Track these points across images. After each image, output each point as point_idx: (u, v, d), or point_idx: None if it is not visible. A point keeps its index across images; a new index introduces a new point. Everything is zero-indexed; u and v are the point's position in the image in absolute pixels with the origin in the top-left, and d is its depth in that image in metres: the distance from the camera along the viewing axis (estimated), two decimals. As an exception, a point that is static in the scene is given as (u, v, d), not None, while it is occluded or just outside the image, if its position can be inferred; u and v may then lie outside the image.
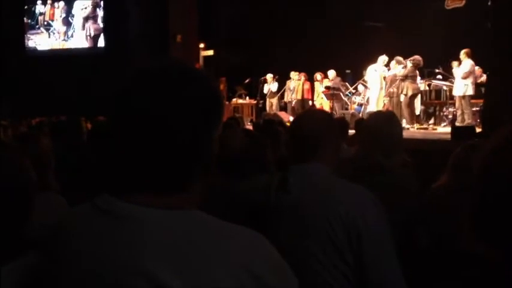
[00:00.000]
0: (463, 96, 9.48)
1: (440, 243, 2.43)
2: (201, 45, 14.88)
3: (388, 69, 11.05)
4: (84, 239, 0.90)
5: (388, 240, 1.68)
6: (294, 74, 13.10)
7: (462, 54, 9.65)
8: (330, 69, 12.53)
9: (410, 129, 9.62)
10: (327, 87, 12.38)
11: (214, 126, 0.94)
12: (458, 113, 9.71)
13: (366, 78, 11.45)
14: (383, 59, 11.17)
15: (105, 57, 15.86)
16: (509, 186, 0.68)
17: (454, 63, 10.20)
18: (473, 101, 9.73)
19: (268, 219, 1.83)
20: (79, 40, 16.97)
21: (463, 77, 9.42)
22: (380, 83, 11.12)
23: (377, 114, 3.01)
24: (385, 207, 1.73)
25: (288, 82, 13.26)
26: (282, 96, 13.71)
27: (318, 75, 12.84)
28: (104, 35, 16.73)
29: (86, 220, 0.92)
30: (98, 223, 0.89)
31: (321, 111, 2.19)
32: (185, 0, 14.07)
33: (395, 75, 10.45)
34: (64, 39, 17.08)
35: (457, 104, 9.85)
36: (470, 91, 9.43)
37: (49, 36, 17.17)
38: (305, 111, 2.98)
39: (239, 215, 1.78)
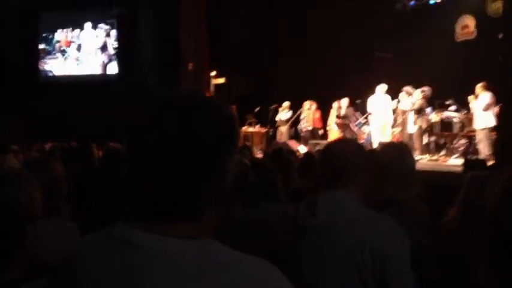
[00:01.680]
0: (483, 129, 9.45)
1: (450, 275, 2.40)
2: (213, 73, 15.02)
3: (398, 101, 11.06)
4: (98, 267, 0.90)
5: (410, 271, 1.69)
6: (306, 103, 13.13)
7: (479, 87, 9.66)
8: (340, 98, 12.56)
9: (421, 161, 9.58)
10: (338, 116, 12.39)
11: (229, 155, 0.95)
12: (480, 145, 9.65)
13: (368, 109, 11.45)
14: (382, 87, 11.18)
15: (117, 84, 16.04)
16: None
17: (470, 98, 10.20)
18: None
19: (281, 247, 1.84)
20: (91, 67, 17.23)
21: (485, 109, 9.41)
22: (384, 112, 11.13)
23: (389, 146, 3.00)
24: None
25: (302, 110, 13.28)
26: (292, 125, 13.73)
27: (335, 104, 12.79)
28: (117, 63, 16.96)
29: (100, 248, 0.92)
30: (112, 252, 0.89)
31: (352, 141, 2.23)
32: (197, 28, 14.25)
33: (405, 108, 10.47)
34: (77, 64, 17.37)
35: (478, 137, 9.81)
36: (492, 123, 9.39)
37: (64, 61, 17.49)
38: (337, 140, 3.02)
39: (248, 244, 1.78)
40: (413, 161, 2.67)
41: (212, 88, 14.86)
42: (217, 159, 0.92)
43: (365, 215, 1.80)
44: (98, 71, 17.18)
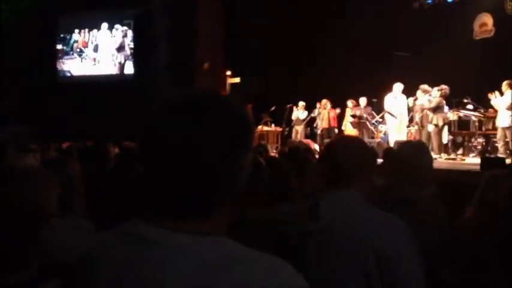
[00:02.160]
0: (508, 127, 9.35)
1: (465, 276, 2.37)
2: (228, 73, 15.05)
3: (415, 99, 10.98)
4: (113, 264, 0.91)
5: (418, 270, 1.66)
6: (324, 101, 13.11)
7: (504, 85, 9.57)
8: (356, 97, 12.52)
9: (438, 160, 9.49)
10: (353, 116, 12.35)
11: (244, 154, 0.95)
12: (501, 143, 9.56)
13: (385, 107, 11.40)
14: (399, 86, 11.13)
15: (133, 84, 16.16)
16: None
17: (491, 95, 10.08)
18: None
19: (295, 246, 1.82)
20: (108, 67, 17.39)
21: (508, 108, 9.30)
22: (401, 111, 11.07)
23: (407, 145, 2.97)
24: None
25: (318, 109, 13.25)
26: (307, 124, 13.71)
27: (350, 103, 12.79)
28: (133, 63, 17.09)
29: (116, 245, 0.93)
30: (128, 248, 0.90)
31: (356, 139, 2.17)
32: (212, 28, 14.31)
33: (422, 106, 10.39)
34: (94, 65, 17.55)
35: (499, 135, 9.70)
36: None
37: (81, 61, 17.68)
38: (340, 137, 2.96)
39: (260, 243, 1.78)
40: (430, 160, 2.64)
41: (228, 87, 14.90)
42: (231, 157, 0.92)
43: (369, 216, 1.76)
44: (114, 71, 17.32)
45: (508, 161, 7.36)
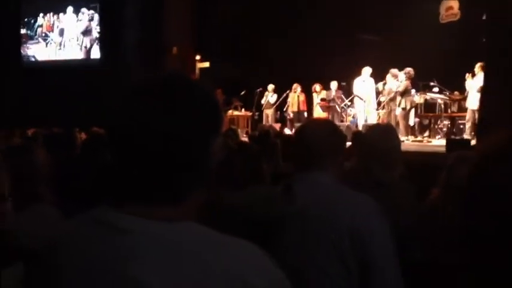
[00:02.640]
0: (477, 109, 9.50)
1: (434, 256, 2.43)
2: (197, 57, 14.91)
3: (384, 83, 11.11)
4: (82, 252, 0.89)
5: (391, 248, 1.69)
6: (295, 86, 13.14)
7: (477, 67, 9.65)
8: (325, 81, 12.59)
9: (405, 142, 9.66)
10: (323, 99, 12.43)
11: (214, 137, 0.94)
12: (468, 125, 9.74)
13: (354, 91, 11.51)
14: (367, 70, 11.25)
15: (100, 68, 15.86)
16: (493, 200, 0.67)
17: (468, 76, 10.23)
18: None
19: (268, 230, 1.83)
20: (74, 51, 17.02)
21: (479, 90, 9.36)
22: (370, 95, 11.20)
23: (375, 127, 3.01)
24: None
25: (288, 93, 13.27)
26: (278, 108, 13.74)
27: (317, 86, 12.87)
28: (100, 47, 16.76)
29: (84, 233, 0.91)
30: (97, 236, 0.89)
31: (327, 121, 2.18)
32: (181, 12, 14.12)
33: (391, 89, 10.53)
34: (59, 49, 17.16)
35: (468, 116, 9.86)
36: None
37: (46, 46, 17.25)
38: (311, 120, 2.98)
39: (235, 227, 1.77)
40: (398, 142, 2.68)
41: (197, 72, 14.77)
42: (201, 141, 0.91)
43: (343, 197, 1.78)
44: (80, 55, 16.97)
45: (473, 142, 7.53)
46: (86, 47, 16.94)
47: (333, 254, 1.67)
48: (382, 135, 2.59)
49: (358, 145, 2.69)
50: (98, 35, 16.77)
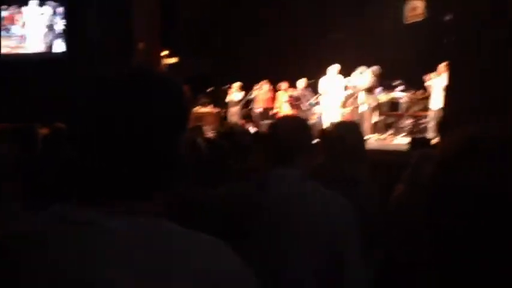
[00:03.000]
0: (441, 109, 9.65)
1: (399, 252, 2.48)
2: (164, 53, 14.77)
3: (349, 81, 11.22)
4: (42, 248, 0.87)
5: (359, 245, 1.73)
6: (260, 84, 13.15)
7: (441, 67, 9.77)
8: (292, 78, 12.64)
9: (369, 140, 9.79)
10: (290, 97, 12.48)
11: (180, 132, 0.93)
12: (431, 124, 9.90)
13: (320, 89, 11.60)
14: (334, 68, 11.35)
15: (63, 62, 15.53)
16: (457, 199, 0.69)
17: (430, 76, 10.42)
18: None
19: (240, 226, 1.83)
20: (37, 45, 16.62)
21: (443, 90, 9.53)
22: (336, 93, 11.30)
23: (342, 124, 3.05)
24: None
25: (254, 91, 13.28)
26: (244, 105, 13.73)
27: (283, 85, 12.91)
28: (64, 41, 16.40)
29: (45, 228, 0.89)
30: (57, 231, 0.87)
31: (298, 118, 2.21)
32: (149, 6, 13.94)
33: (356, 87, 10.65)
34: (22, 43, 16.72)
35: (431, 116, 10.02)
36: None
37: (8, 39, 16.79)
38: (282, 117, 3.01)
39: (205, 223, 1.77)
40: (363, 139, 2.73)
41: (164, 68, 14.62)
42: (167, 136, 0.90)
43: (314, 193, 1.81)
44: (44, 49, 16.57)
45: (435, 141, 7.68)
46: (49, 41, 16.56)
47: (305, 249, 1.69)
48: (348, 131, 2.62)
49: (325, 141, 2.72)
50: (62, 29, 16.42)
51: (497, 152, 0.67)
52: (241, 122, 12.55)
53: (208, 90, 14.12)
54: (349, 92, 11.18)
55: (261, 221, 1.80)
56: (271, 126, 2.10)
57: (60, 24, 16.44)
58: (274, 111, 13.23)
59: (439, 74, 9.93)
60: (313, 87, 12.66)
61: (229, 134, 5.85)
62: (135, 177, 0.88)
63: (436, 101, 9.82)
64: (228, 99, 13.66)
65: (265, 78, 13.22)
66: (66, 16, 16.29)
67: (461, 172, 0.68)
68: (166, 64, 14.80)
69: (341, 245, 1.71)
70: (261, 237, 1.78)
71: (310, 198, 1.78)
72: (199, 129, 6.85)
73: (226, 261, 0.90)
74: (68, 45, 16.22)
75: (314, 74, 12.65)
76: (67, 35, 16.28)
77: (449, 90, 7.78)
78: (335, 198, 1.79)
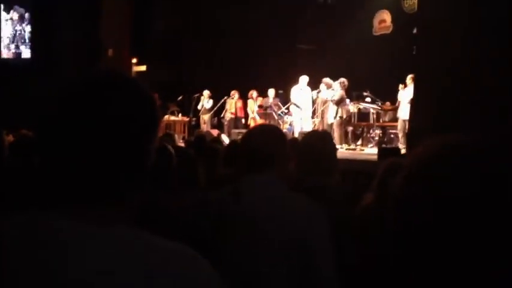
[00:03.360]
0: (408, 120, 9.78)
1: (368, 261, 2.50)
2: (133, 60, 14.66)
3: (318, 91, 11.34)
4: (12, 253, 0.85)
5: (330, 250, 1.74)
6: (232, 93, 13.17)
7: (409, 79, 9.95)
8: (262, 88, 12.70)
9: (339, 150, 9.88)
10: (260, 106, 12.52)
11: (150, 138, 0.92)
12: (401, 134, 10.04)
13: (291, 99, 11.69)
14: (304, 79, 11.47)
15: (31, 69, 15.25)
16: (426, 211, 0.69)
17: (400, 86, 10.59)
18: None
19: (209, 234, 1.83)
20: (3, 50, 16.28)
21: (409, 101, 9.53)
22: (306, 103, 11.41)
23: (313, 134, 3.07)
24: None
25: (226, 99, 13.27)
26: (215, 114, 13.71)
27: (254, 93, 12.95)
28: (31, 47, 16.12)
29: (12, 235, 0.87)
30: (25, 238, 0.85)
31: (274, 127, 2.22)
32: (118, 14, 13.84)
33: (324, 99, 10.77)
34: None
35: (399, 127, 10.18)
36: None
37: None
38: (257, 125, 3.02)
39: (175, 231, 1.75)
40: (334, 149, 2.75)
41: (133, 75, 14.50)
42: (136, 142, 0.89)
43: (287, 200, 1.82)
44: (10, 55, 16.25)
45: (403, 151, 7.81)
46: (16, 46, 16.25)
47: (277, 256, 1.70)
48: (319, 140, 2.65)
49: (296, 150, 2.73)
50: (28, 35, 16.14)
51: (465, 160, 0.68)
52: (213, 130, 12.52)
53: (178, 98, 14.06)
54: (320, 102, 11.29)
55: (232, 228, 1.80)
56: (245, 134, 2.11)
57: (27, 31, 16.17)
58: (245, 119, 13.27)
59: (406, 86, 10.13)
60: (283, 97, 12.74)
61: (199, 142, 5.83)
62: (103, 183, 0.86)
63: (404, 111, 9.99)
64: (199, 107, 13.63)
65: (234, 87, 13.25)
66: (34, 22, 16.03)
67: (430, 180, 0.70)
68: (135, 72, 14.69)
69: (312, 253, 1.71)
70: (233, 245, 1.77)
71: (282, 205, 1.79)
72: (170, 137, 6.80)
73: (196, 269, 0.88)
74: (34, 52, 15.94)
75: (284, 84, 12.76)
76: (34, 41, 16.02)
77: (415, 101, 7.94)
78: (308, 206, 1.80)
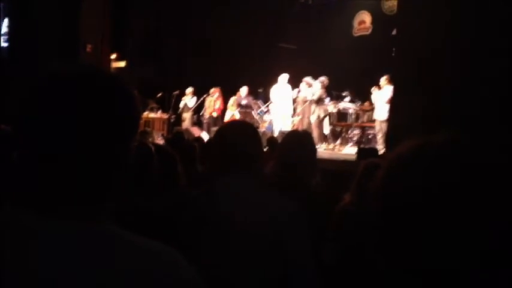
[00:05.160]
0: (385, 120, 9.83)
1: (347, 260, 2.51)
2: (113, 56, 14.49)
3: (298, 90, 11.36)
4: None
5: (309, 251, 1.73)
6: (211, 91, 13.10)
7: (383, 80, 10.01)
8: (243, 86, 12.67)
9: (318, 150, 9.88)
10: (239, 105, 12.50)
11: (129, 137, 0.90)
12: (379, 135, 10.13)
13: (271, 97, 11.69)
14: (284, 77, 11.48)
15: (7, 63, 14.98)
16: (404, 211, 0.70)
17: (374, 89, 10.66)
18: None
19: (184, 233, 1.80)
20: (-21, 43, 15.97)
21: (387, 102, 9.65)
22: (286, 101, 11.42)
23: (294, 134, 3.06)
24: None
25: (206, 97, 13.20)
26: (195, 112, 13.64)
27: (241, 91, 12.86)
28: (10, 42, 15.83)
29: None
30: (2, 238, 0.83)
31: (247, 124, 2.17)
32: (97, 9, 13.66)
33: (305, 98, 10.78)
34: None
35: (377, 128, 10.24)
36: None
37: None
38: (230, 123, 2.95)
39: (155, 231, 1.73)
40: (315, 149, 2.75)
41: (113, 71, 14.33)
42: (114, 140, 0.87)
43: (264, 200, 1.79)
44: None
45: (382, 151, 7.88)
46: (-8, 39, 15.95)
47: (255, 257, 1.67)
48: (300, 141, 2.64)
49: (277, 150, 2.73)
50: (6, 31, 15.85)
51: (440, 160, 0.69)
52: (193, 128, 12.44)
53: (158, 95, 13.95)
54: (298, 101, 11.32)
55: (208, 229, 1.77)
56: (218, 132, 2.03)
57: (4, 24, 15.88)
58: (225, 117, 13.23)
59: (382, 87, 10.22)
60: (262, 96, 12.74)
61: (178, 140, 5.80)
62: (81, 182, 0.84)
63: (380, 112, 10.09)
64: (181, 104, 13.53)
65: (214, 85, 13.19)
66: (12, 17, 15.74)
67: (407, 180, 0.70)
68: (115, 68, 14.53)
69: (291, 253, 1.69)
70: (209, 246, 1.74)
71: (259, 205, 1.76)
72: (147, 135, 6.76)
73: (176, 268, 0.87)
74: (14, 47, 15.64)
75: (264, 83, 12.75)
76: (12, 36, 15.71)
77: (394, 102, 8.01)
78: (286, 207, 1.77)
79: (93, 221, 0.84)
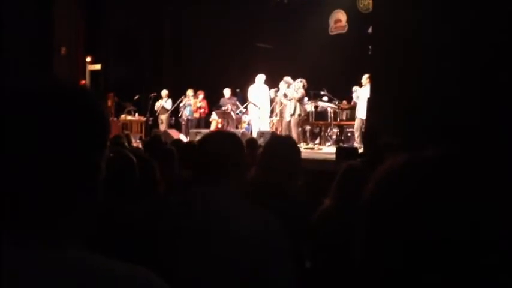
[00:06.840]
0: (366, 119, 9.86)
1: (326, 263, 2.50)
2: (88, 59, 14.32)
3: (276, 90, 11.36)
4: None
5: (288, 265, 1.69)
6: (190, 91, 13.03)
7: (365, 78, 10.02)
8: (220, 87, 12.63)
9: (298, 149, 9.90)
10: (218, 106, 12.47)
11: (99, 149, 0.86)
12: (357, 134, 10.15)
13: (249, 98, 11.67)
14: (261, 77, 11.48)
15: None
16: (395, 227, 0.69)
17: (355, 88, 10.70)
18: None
19: (161, 244, 1.75)
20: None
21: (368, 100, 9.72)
22: (264, 102, 11.42)
23: (279, 139, 3.03)
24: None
25: (183, 99, 13.12)
26: (172, 114, 13.56)
27: (226, 92, 12.82)
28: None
29: None
30: None
31: (229, 133, 2.14)
32: (72, 11, 13.49)
33: (285, 96, 10.77)
34: None
35: (356, 125, 10.26)
36: None
37: None
38: (213, 132, 2.93)
39: (131, 242, 1.68)
40: (299, 153, 2.72)
41: (87, 75, 14.17)
42: (84, 154, 0.82)
43: (244, 213, 1.75)
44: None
45: (360, 150, 7.91)
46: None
47: (231, 270, 1.64)
48: (286, 147, 2.62)
49: (260, 156, 2.70)
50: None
51: (430, 176, 0.68)
52: (170, 130, 12.35)
53: (135, 98, 13.84)
54: (276, 101, 11.32)
55: (185, 239, 1.72)
56: (201, 140, 2.01)
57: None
58: (208, 120, 13.16)
59: (363, 85, 10.27)
60: (241, 96, 12.72)
61: (154, 142, 5.73)
62: (48, 200, 0.79)
63: (361, 110, 10.11)
64: (157, 107, 13.44)
65: (190, 87, 13.13)
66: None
67: (397, 199, 0.69)
68: (90, 71, 14.36)
69: (268, 267, 1.65)
70: (184, 255, 1.70)
71: (236, 217, 1.72)
72: (126, 138, 6.68)
73: None
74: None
75: (241, 83, 12.73)
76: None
77: (371, 101, 8.06)
78: (263, 219, 1.73)
79: (61, 244, 0.80)
